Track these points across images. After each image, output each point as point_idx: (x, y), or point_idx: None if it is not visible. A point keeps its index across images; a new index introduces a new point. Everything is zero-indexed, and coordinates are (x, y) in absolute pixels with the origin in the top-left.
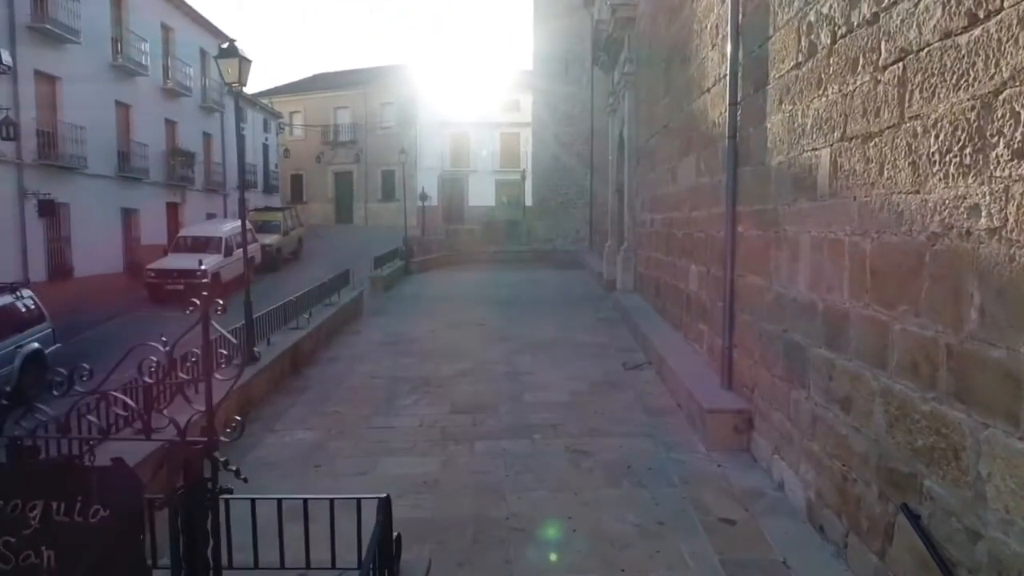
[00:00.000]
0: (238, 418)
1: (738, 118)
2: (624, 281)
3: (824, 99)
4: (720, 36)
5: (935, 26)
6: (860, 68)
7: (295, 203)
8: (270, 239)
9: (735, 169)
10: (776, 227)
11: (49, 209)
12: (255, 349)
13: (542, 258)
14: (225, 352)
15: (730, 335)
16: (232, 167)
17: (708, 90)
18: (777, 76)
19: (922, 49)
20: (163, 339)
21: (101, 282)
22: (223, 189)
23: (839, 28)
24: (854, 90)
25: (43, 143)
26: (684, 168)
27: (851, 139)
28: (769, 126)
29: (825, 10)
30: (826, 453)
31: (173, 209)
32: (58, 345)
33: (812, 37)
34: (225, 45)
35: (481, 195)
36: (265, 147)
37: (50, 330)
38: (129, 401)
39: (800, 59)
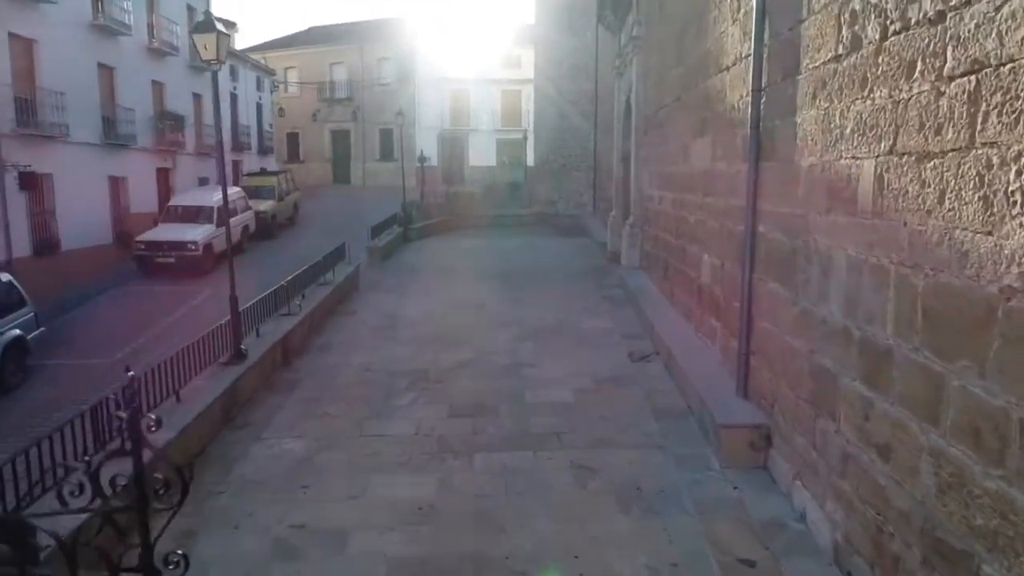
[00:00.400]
0: (180, 552)
1: (762, 107)
2: (630, 258)
3: (870, 102)
4: (742, 11)
5: None
6: (918, 74)
7: (292, 162)
8: (265, 205)
9: (757, 162)
10: (805, 235)
11: (31, 181)
12: (241, 347)
13: (544, 222)
14: (162, 478)
15: (747, 341)
16: (225, 129)
17: (727, 68)
18: (811, 66)
19: (1004, 64)
20: (86, 459)
21: (89, 255)
22: (216, 152)
23: (892, 23)
24: (909, 99)
25: (21, 111)
26: (698, 149)
27: (903, 155)
28: (799, 121)
29: None
30: (859, 497)
31: (164, 174)
32: (41, 330)
33: (856, 28)
34: (201, 17)
35: (482, 155)
36: (259, 106)
37: (32, 315)
38: (50, 536)
39: (840, 51)
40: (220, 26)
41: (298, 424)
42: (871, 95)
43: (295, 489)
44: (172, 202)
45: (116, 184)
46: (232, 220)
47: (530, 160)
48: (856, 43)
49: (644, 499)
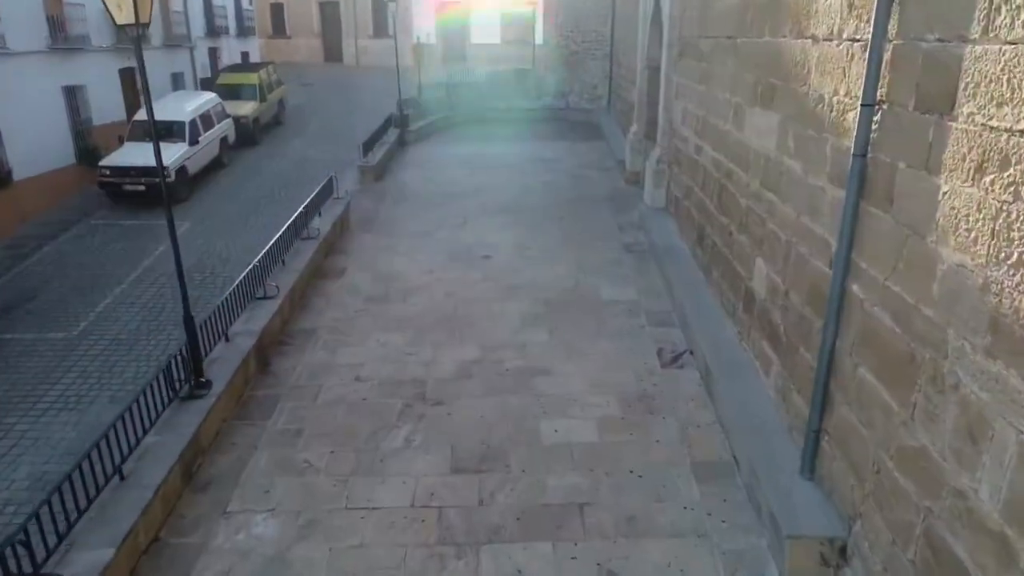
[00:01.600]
0: None
1: (874, 129)
2: (654, 197)
3: None
4: None
5: None
6: None
7: (277, 38)
8: (245, 108)
9: (859, 200)
10: (936, 351)
11: None
12: (202, 379)
13: (555, 119)
14: None
15: (820, 416)
16: (196, 13)
17: (814, 39)
18: (980, 120)
19: None
20: None
21: (49, 182)
22: (188, 41)
23: None
24: None
25: None
26: (757, 121)
27: None
28: (945, 191)
29: None
30: None
31: (129, 75)
32: None
33: None
34: None
35: (486, 31)
36: None
37: None
38: None
39: None
40: None
41: (273, 483)
42: None
43: None
44: (138, 117)
45: (72, 94)
46: (207, 133)
47: (539, 39)
48: None
49: None
